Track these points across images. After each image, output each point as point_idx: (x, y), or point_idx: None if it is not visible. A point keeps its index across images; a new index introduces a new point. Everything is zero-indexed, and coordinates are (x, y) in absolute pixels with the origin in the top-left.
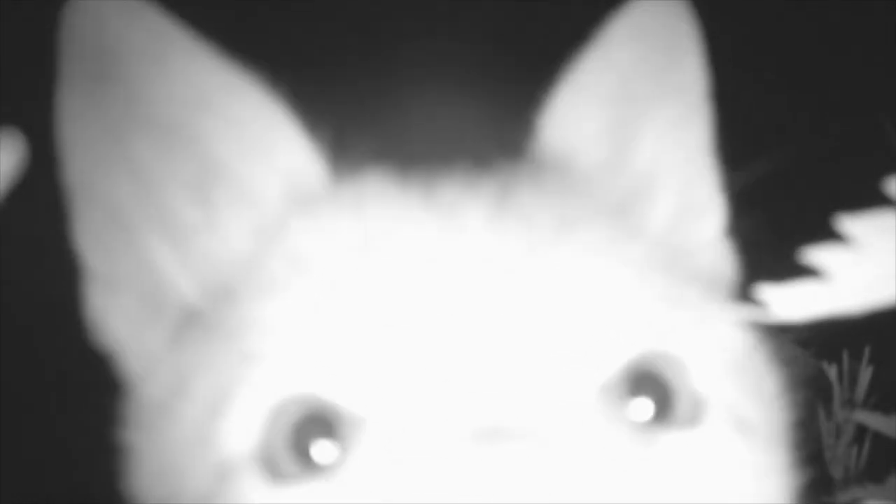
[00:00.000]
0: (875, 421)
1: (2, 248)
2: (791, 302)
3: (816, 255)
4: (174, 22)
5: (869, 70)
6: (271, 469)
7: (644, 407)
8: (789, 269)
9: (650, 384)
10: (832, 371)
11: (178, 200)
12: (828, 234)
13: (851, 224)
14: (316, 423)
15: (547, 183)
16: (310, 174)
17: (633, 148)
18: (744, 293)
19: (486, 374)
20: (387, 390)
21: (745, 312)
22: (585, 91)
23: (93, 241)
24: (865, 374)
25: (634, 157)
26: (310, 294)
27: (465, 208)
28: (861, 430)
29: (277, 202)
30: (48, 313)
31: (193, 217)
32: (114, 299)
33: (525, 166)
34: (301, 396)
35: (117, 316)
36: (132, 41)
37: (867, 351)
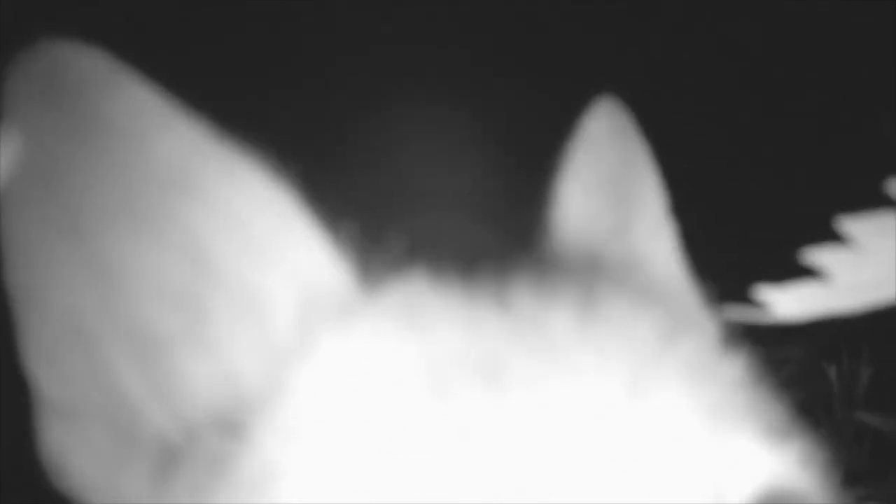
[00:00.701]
0: (875, 421)
1: None
2: (791, 302)
3: (816, 255)
4: (157, 90)
5: (869, 70)
6: None
7: None
8: (789, 269)
9: None
10: (832, 371)
11: (156, 308)
12: (828, 234)
13: (851, 224)
14: None
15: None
16: (333, 278)
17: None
18: (744, 293)
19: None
20: None
21: (746, 313)
22: (584, 183)
23: (46, 361)
24: (865, 374)
25: (639, 252)
26: (354, 435)
27: (550, 318)
28: (861, 430)
29: (292, 313)
30: None
31: (177, 328)
32: (76, 433)
33: (554, 262)
34: None
35: (81, 454)
36: (101, 107)
37: (867, 350)
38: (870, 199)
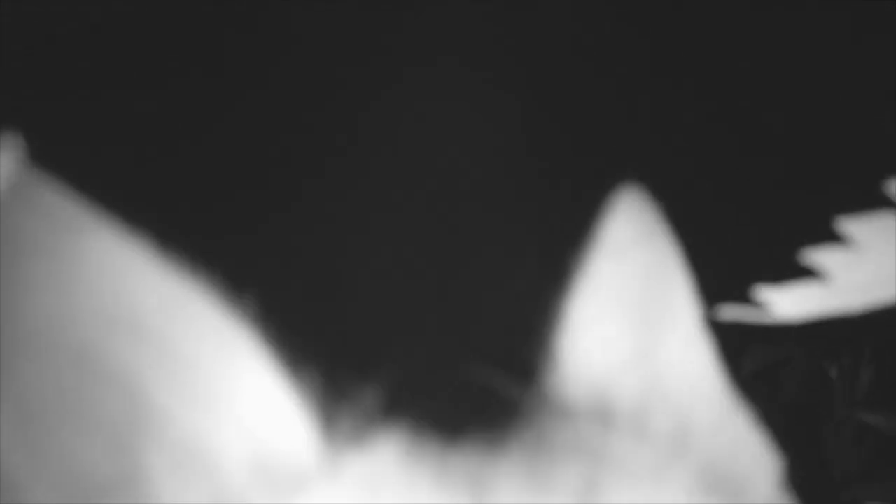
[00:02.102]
0: (876, 420)
1: None
2: (791, 302)
3: (816, 255)
4: (99, 212)
5: (869, 70)
6: None
7: None
8: (789, 269)
9: None
10: (832, 370)
11: (89, 453)
12: (828, 234)
13: (851, 225)
14: None
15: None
16: (291, 437)
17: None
18: (744, 293)
19: None
20: None
21: (746, 313)
22: (599, 301)
23: None
24: (866, 374)
25: (664, 387)
26: None
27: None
28: (862, 430)
29: (245, 477)
30: None
31: (112, 477)
32: None
33: (545, 401)
34: None
35: None
36: (27, 229)
37: (867, 350)
38: (870, 200)
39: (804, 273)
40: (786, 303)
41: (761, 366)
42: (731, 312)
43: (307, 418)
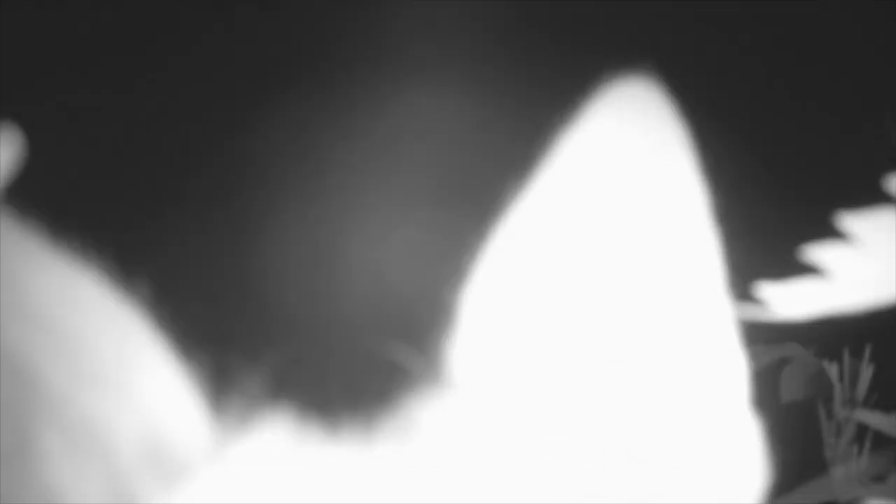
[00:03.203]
0: (876, 420)
1: None
2: (792, 300)
3: (818, 252)
4: None
5: (870, 69)
6: None
7: None
8: (790, 266)
9: None
10: (833, 369)
11: None
12: (829, 231)
13: (852, 222)
14: None
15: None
16: (183, 419)
17: None
18: (745, 292)
19: None
20: None
21: (746, 311)
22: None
23: None
24: (866, 373)
25: None
26: None
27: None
28: (862, 430)
29: (135, 459)
30: None
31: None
32: None
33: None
34: None
35: None
36: None
37: (868, 349)
38: (871, 197)
39: (805, 271)
40: (787, 301)
41: (761, 366)
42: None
43: (198, 402)
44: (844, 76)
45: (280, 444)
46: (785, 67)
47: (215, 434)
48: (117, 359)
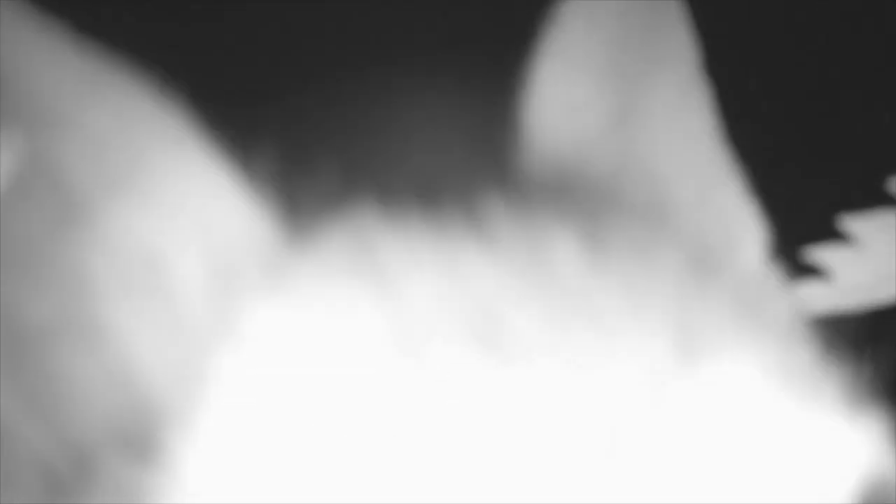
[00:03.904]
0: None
1: None
2: (793, 300)
3: (818, 254)
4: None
5: (869, 67)
6: None
7: None
8: (791, 267)
9: None
10: (832, 370)
11: (22, 291)
12: (830, 232)
13: (853, 223)
14: None
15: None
16: (251, 227)
17: (639, 146)
18: None
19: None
20: None
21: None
22: (566, 60)
23: None
24: (866, 374)
25: (643, 156)
26: (301, 444)
27: (549, 251)
28: None
29: (203, 282)
30: None
31: (52, 315)
32: None
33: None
34: None
35: None
36: None
37: (868, 350)
38: (872, 198)
39: (806, 271)
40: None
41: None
42: None
43: (263, 202)
44: (846, 72)
45: (372, 233)
46: (784, 67)
47: (291, 237)
48: (159, 165)
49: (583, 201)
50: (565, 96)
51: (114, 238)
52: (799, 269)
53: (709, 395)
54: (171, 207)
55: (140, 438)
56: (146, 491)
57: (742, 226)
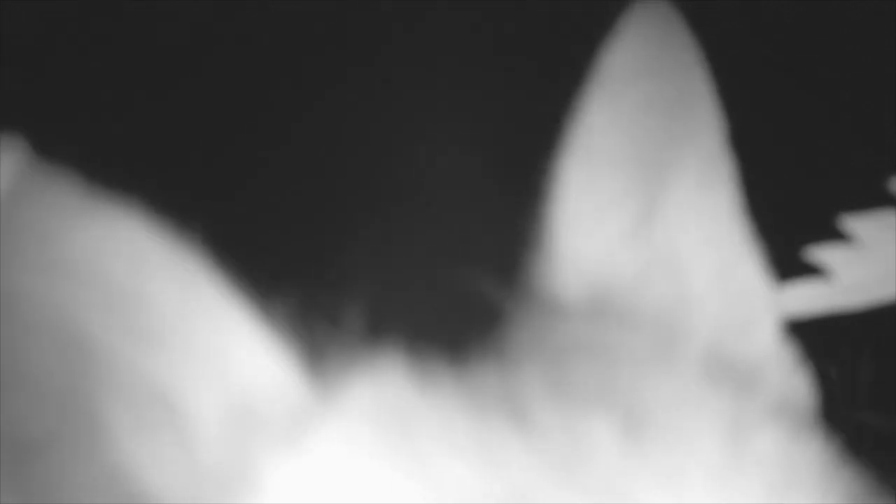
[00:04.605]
0: (875, 420)
1: None
2: (793, 300)
3: (819, 253)
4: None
5: (870, 68)
6: None
7: None
8: (791, 267)
9: None
10: (832, 370)
11: (33, 410)
12: (830, 232)
13: (854, 223)
14: None
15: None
16: (273, 374)
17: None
18: None
19: None
20: None
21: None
22: (591, 163)
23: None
24: (866, 374)
25: (667, 248)
26: None
27: (586, 432)
28: (861, 430)
29: (219, 426)
30: None
31: (62, 436)
32: None
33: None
34: None
35: None
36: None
37: (867, 350)
38: (872, 198)
39: (807, 270)
40: (788, 301)
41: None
42: None
43: (286, 350)
44: (846, 72)
45: (399, 383)
46: (784, 67)
47: (313, 384)
48: (178, 310)
49: (602, 316)
50: (589, 203)
51: (131, 383)
52: (799, 269)
53: None
54: (188, 350)
55: None
56: None
57: (765, 339)
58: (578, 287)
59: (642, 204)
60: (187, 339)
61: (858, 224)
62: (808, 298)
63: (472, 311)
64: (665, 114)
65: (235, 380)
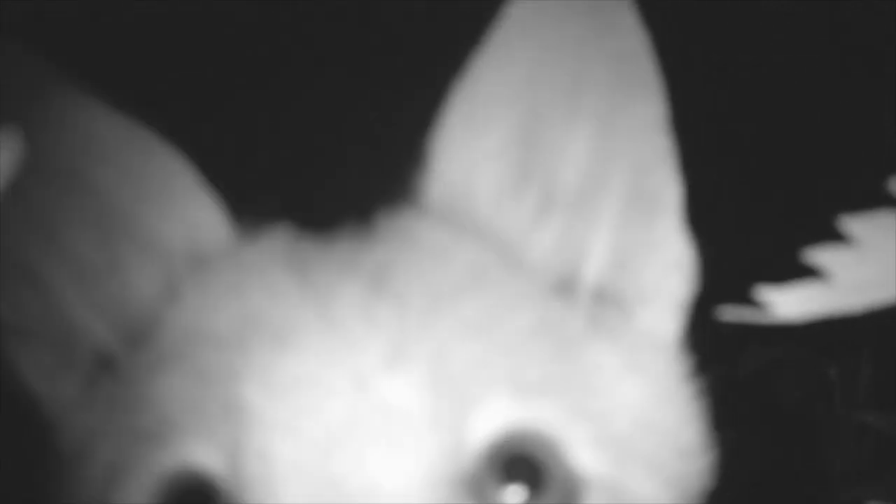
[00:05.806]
0: (876, 420)
1: None
2: (792, 301)
3: (817, 254)
4: (53, 69)
5: (869, 68)
6: None
7: (516, 493)
8: (790, 268)
9: (524, 467)
10: (832, 371)
11: (82, 244)
12: (829, 233)
13: (853, 224)
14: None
15: (433, 238)
16: (212, 230)
17: (553, 157)
18: (744, 293)
19: (350, 463)
20: (262, 469)
21: (746, 313)
22: (481, 99)
23: (1, 291)
24: (866, 374)
25: (555, 171)
26: (197, 371)
27: (340, 293)
28: (862, 430)
29: (182, 256)
30: None
31: (99, 260)
32: (26, 348)
33: (412, 214)
34: (187, 474)
35: (30, 365)
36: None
37: (867, 350)
38: (871, 198)
39: (805, 272)
40: (786, 302)
41: (760, 366)
42: (731, 312)
43: (224, 217)
44: (846, 73)
45: (282, 247)
46: (784, 66)
47: (234, 240)
48: (163, 185)
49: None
50: (472, 131)
51: (136, 229)
52: (798, 270)
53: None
54: (171, 207)
55: (138, 334)
56: (128, 393)
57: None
58: (444, 199)
59: (531, 144)
60: (166, 202)
61: (858, 225)
62: (807, 300)
63: (353, 210)
64: (579, 36)
65: (189, 226)
